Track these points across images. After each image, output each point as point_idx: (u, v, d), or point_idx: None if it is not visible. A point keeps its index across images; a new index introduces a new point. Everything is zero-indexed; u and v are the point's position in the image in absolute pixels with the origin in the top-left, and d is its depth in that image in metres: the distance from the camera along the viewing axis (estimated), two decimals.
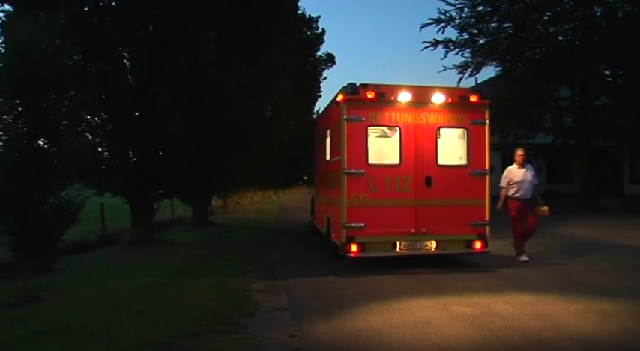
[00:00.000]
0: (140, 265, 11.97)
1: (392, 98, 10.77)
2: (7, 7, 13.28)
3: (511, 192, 12.28)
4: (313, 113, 44.15)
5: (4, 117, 9.25)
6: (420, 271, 10.86)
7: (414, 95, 10.83)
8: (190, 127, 13.68)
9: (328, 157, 13.14)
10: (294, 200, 43.58)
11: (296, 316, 7.59)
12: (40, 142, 9.61)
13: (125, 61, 13.98)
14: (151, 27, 13.67)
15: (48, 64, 9.41)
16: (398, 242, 10.71)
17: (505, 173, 12.49)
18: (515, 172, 12.36)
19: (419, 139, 10.93)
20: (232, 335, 6.61)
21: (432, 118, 11.00)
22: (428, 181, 10.83)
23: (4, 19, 14.75)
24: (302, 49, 31.13)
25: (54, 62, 9.58)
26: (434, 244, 10.83)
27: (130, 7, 12.92)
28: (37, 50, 9.31)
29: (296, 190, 58.05)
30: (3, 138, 9.25)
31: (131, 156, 14.01)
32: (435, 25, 29.57)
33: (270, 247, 15.26)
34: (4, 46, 9.80)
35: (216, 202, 30.18)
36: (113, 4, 13.58)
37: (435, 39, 30.27)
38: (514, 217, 12.28)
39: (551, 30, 28.65)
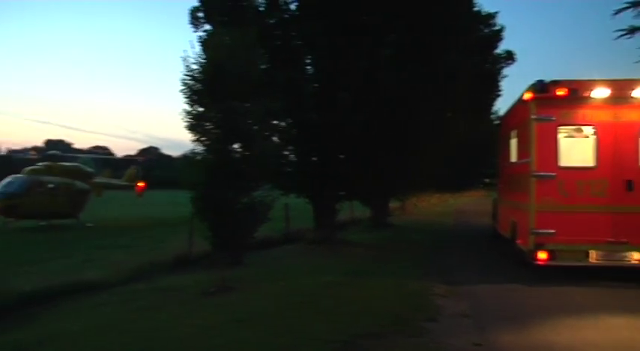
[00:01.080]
0: (321, 264, 12.41)
1: (586, 95, 9.87)
2: (207, 26, 14.81)
3: None
4: (492, 114, 42.35)
5: (206, 124, 10.18)
6: (613, 284, 9.76)
7: (612, 90, 9.81)
8: (369, 130, 13.88)
9: (514, 159, 12.45)
10: (472, 203, 42.27)
11: (480, 323, 7.26)
12: (234, 146, 10.44)
13: (308, 68, 14.65)
14: (332, 34, 14.14)
15: (242, 75, 10.18)
16: (592, 252, 9.76)
17: None
18: None
19: (617, 138, 9.86)
20: (415, 338, 6.50)
21: (634, 116, 9.89)
22: (629, 184, 9.74)
23: (205, 37, 16.48)
24: (479, 47, 29.98)
25: (247, 73, 10.34)
26: (637, 256, 9.69)
27: (312, 17, 13.49)
28: (233, 62, 10.10)
29: (474, 192, 56.14)
30: (205, 143, 10.15)
31: (314, 158, 14.60)
32: (631, 9, 26.59)
33: (449, 251, 14.88)
34: (204, 60, 10.75)
35: (393, 204, 30.32)
36: (297, 13, 14.28)
37: (631, 26, 27.20)
38: None
39: None
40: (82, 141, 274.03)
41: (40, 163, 29.90)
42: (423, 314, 7.62)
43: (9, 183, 26.93)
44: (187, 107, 10.31)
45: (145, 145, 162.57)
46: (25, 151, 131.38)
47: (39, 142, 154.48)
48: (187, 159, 10.75)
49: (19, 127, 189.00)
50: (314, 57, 14.17)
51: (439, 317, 7.53)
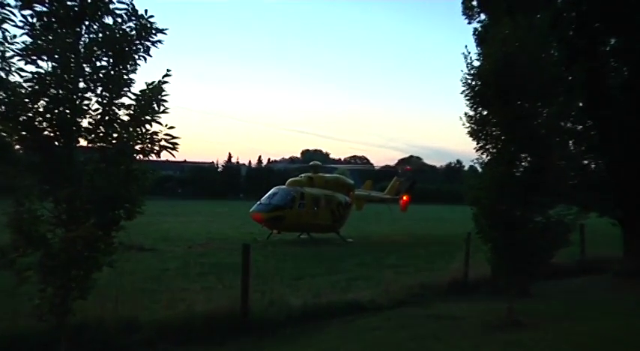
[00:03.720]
0: (636, 303, 11.29)
1: None
2: (482, 16, 14.69)
3: None
4: None
5: (492, 129, 10.07)
6: None
7: None
8: None
9: None
10: None
11: None
12: (524, 154, 10.11)
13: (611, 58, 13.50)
14: None
15: (533, 70, 9.85)
16: None
17: None
18: None
19: None
20: None
21: None
22: None
23: (480, 29, 16.33)
24: None
25: (539, 67, 9.97)
26: None
27: None
28: (523, 56, 9.82)
29: None
30: (491, 151, 10.06)
31: (626, 169, 13.25)
32: None
33: None
34: (488, 56, 10.62)
35: None
36: None
37: None
38: None
39: None
40: (338, 150, 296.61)
41: (302, 175, 32.90)
42: None
43: (273, 194, 30.09)
44: (469, 110, 10.34)
45: (404, 155, 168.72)
46: (283, 161, 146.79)
47: (296, 152, 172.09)
48: (471, 171, 10.76)
49: (277, 137, 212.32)
50: (622, 41, 12.99)
51: None
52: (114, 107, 6.88)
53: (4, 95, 6.39)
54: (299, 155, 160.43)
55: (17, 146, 6.85)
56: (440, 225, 42.71)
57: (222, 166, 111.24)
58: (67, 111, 6.60)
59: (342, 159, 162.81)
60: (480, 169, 10.79)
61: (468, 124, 10.46)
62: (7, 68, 6.45)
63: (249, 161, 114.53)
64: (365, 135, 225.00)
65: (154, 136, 6.93)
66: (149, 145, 6.93)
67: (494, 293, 11.35)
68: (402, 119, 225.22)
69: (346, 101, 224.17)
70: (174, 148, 7.01)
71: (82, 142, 6.87)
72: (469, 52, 10.60)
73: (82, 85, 6.71)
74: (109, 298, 9.28)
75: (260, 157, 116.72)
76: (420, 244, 27.41)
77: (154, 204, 6.93)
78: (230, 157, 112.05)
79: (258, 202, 29.66)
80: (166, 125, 6.95)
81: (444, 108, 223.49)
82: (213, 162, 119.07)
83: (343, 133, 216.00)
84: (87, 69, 6.73)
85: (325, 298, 12.44)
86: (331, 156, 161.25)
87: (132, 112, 6.89)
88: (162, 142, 6.96)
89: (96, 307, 8.69)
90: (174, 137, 6.98)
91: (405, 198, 39.78)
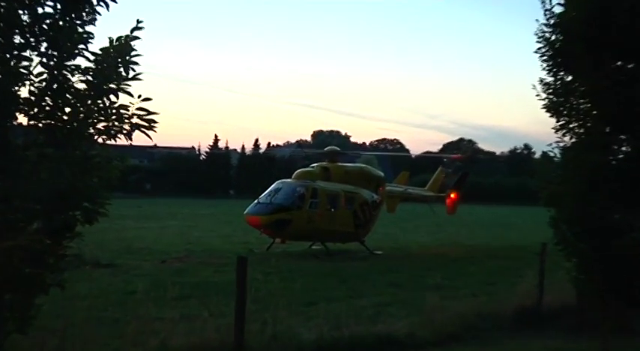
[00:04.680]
0: None
1: None
2: None
3: None
4: None
5: (580, 102, 9.96)
6: None
7: None
8: None
9: None
10: None
11: None
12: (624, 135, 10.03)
13: None
14: None
15: None
16: None
17: None
18: None
19: None
20: None
21: None
22: None
23: None
24: None
25: None
26: None
27: None
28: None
29: None
30: (578, 132, 9.96)
31: None
32: None
33: None
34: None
35: None
36: None
37: None
38: None
39: None
40: (362, 132, 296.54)
41: (314, 165, 32.75)
42: None
43: (276, 191, 29.84)
44: (546, 76, 10.24)
45: (452, 138, 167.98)
46: (288, 146, 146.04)
47: (306, 134, 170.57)
48: (547, 158, 10.65)
49: (280, 113, 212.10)
50: None
51: None
52: (64, 71, 6.77)
53: None
54: (309, 138, 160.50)
55: None
56: (501, 233, 42.54)
57: (206, 152, 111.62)
58: None
59: (368, 143, 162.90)
60: (559, 157, 10.68)
61: (544, 95, 10.35)
62: None
63: (243, 146, 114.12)
64: (398, 111, 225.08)
65: (123, 111, 6.85)
66: (115, 124, 6.85)
67: (581, 328, 11.26)
68: (448, 90, 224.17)
69: (372, 67, 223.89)
70: (150, 128, 6.93)
71: (22, 119, 6.79)
72: None
73: (18, 39, 6.60)
74: (54, 333, 9.25)
75: (257, 140, 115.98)
76: (473, 258, 27.47)
77: (113, 203, 6.80)
78: (216, 140, 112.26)
79: (256, 202, 29.61)
80: (139, 96, 6.86)
81: (506, 74, 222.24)
82: (193, 147, 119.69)
83: (369, 109, 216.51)
84: (24, 17, 6.62)
85: (347, 330, 12.39)
86: (353, 139, 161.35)
87: (90, 79, 6.79)
88: (135, 119, 6.87)
89: (34, 346, 8.64)
90: (150, 112, 6.89)
91: (452, 196, 39.53)
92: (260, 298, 12.49)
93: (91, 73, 6.81)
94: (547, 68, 10.35)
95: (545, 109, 10.39)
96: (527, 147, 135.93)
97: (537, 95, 10.41)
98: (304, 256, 28.66)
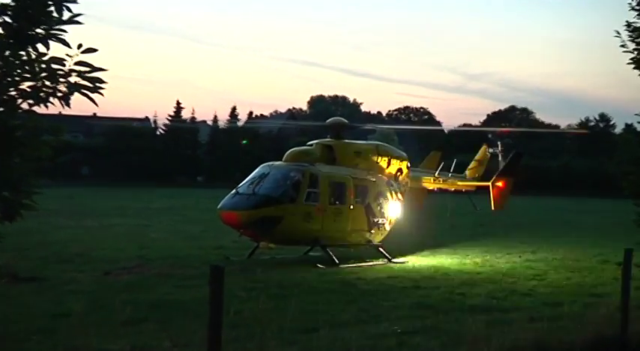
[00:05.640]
0: None
1: None
2: None
3: None
4: None
5: None
6: None
7: None
8: None
9: None
10: None
11: None
12: None
13: None
14: None
15: None
16: None
17: None
18: None
19: None
20: None
21: None
22: None
23: None
24: None
25: None
26: None
27: None
28: None
29: None
30: None
31: None
32: None
33: None
34: None
35: None
36: None
37: None
38: None
39: None
40: (376, 98, 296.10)
41: (312, 142, 32.70)
42: None
43: (260, 177, 29.64)
44: (636, 19, 10.23)
45: (501, 105, 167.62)
46: (277, 116, 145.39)
47: (301, 100, 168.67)
48: (633, 133, 10.65)
49: (265, 73, 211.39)
50: None
51: None
52: None
53: None
54: (305, 106, 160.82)
55: None
56: (566, 233, 42.61)
57: (165, 124, 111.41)
58: None
59: (385, 113, 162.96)
60: None
61: (631, 45, 10.32)
62: None
63: (215, 117, 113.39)
64: (425, 70, 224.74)
65: (56, 67, 6.77)
66: (46, 84, 6.77)
67: None
68: (493, 41, 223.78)
69: (390, 8, 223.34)
70: (95, 90, 6.85)
71: None
72: None
73: None
74: None
75: (234, 108, 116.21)
76: (529, 269, 27.37)
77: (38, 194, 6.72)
78: (179, 108, 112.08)
79: (234, 192, 29.43)
80: (79, 46, 6.79)
81: (574, 16, 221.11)
82: (147, 117, 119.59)
83: (384, 66, 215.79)
84: None
85: None
86: (364, 108, 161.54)
87: (7, 20, 6.69)
88: (74, 78, 6.80)
89: None
90: (95, 69, 6.82)
91: (500, 184, 39.37)
92: (241, 322, 12.50)
93: (9, 13, 6.66)
94: (637, 7, 10.30)
95: (633, 65, 10.35)
96: (603, 118, 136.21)
97: (622, 45, 10.40)
98: (300, 265, 28.77)
